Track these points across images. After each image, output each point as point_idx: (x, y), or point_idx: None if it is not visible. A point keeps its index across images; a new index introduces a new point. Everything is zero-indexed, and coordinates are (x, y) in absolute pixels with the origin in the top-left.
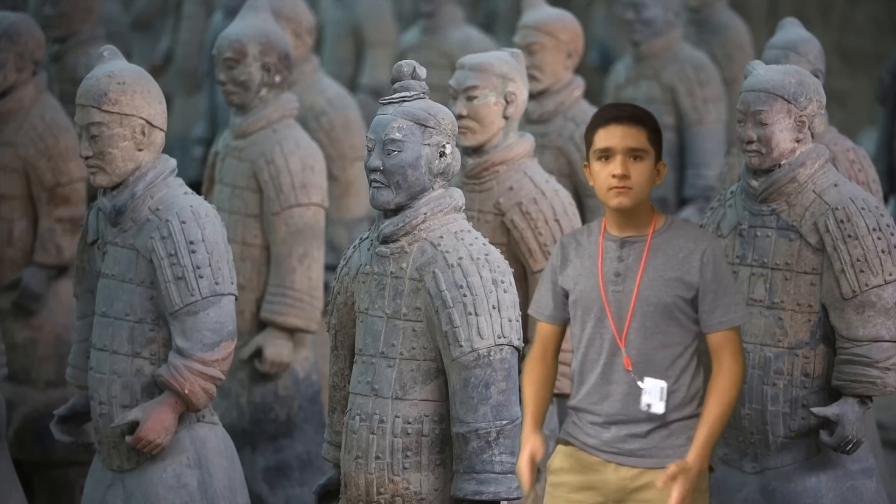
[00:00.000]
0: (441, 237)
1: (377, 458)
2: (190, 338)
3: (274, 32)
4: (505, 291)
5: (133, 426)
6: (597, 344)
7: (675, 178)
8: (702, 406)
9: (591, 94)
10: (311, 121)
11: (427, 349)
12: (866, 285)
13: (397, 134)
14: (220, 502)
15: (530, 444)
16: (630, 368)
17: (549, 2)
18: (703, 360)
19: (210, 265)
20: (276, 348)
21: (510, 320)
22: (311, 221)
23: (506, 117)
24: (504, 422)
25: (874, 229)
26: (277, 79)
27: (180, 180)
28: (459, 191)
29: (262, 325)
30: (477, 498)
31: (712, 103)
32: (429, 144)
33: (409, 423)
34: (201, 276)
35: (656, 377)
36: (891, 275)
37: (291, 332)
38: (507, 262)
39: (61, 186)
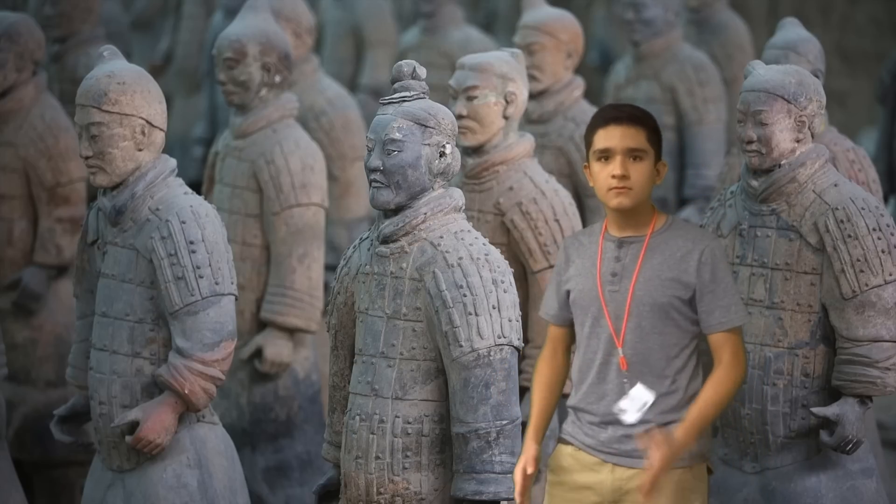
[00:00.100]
0: (441, 237)
1: (377, 458)
2: (190, 338)
3: (274, 32)
4: (505, 291)
5: (133, 426)
6: (594, 344)
7: (675, 178)
8: None
9: (591, 94)
10: (311, 121)
11: (427, 349)
12: (866, 285)
13: (397, 134)
14: (220, 502)
15: (526, 455)
16: (625, 369)
17: (549, 2)
18: (704, 361)
19: (210, 265)
20: (276, 348)
21: (510, 320)
22: (311, 221)
23: (506, 117)
24: (504, 422)
25: (874, 229)
26: (277, 79)
27: (180, 180)
28: (459, 191)
29: (262, 325)
30: (477, 498)
31: (712, 103)
32: (429, 144)
33: (409, 423)
34: (201, 276)
35: (653, 378)
36: (891, 275)
37: (291, 332)
38: (507, 262)
39: (61, 186)
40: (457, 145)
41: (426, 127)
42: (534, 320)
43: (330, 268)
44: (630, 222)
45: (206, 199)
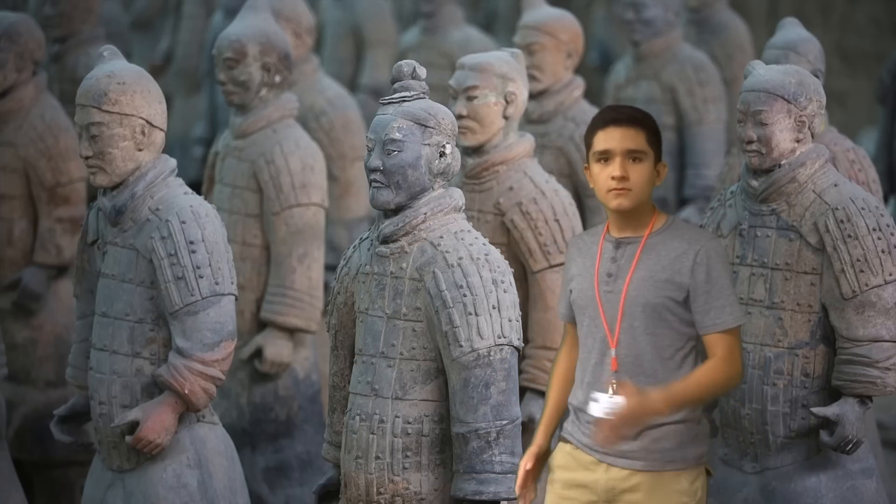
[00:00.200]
0: (441, 237)
1: (377, 458)
2: (190, 338)
3: (274, 32)
4: (505, 291)
5: (133, 426)
6: (590, 344)
7: (675, 178)
8: (690, 411)
9: (591, 94)
10: (311, 121)
11: (427, 349)
12: (866, 285)
13: (397, 134)
14: (220, 502)
15: (531, 449)
16: (615, 370)
17: (549, 2)
18: (703, 361)
19: (210, 265)
20: (276, 348)
21: (510, 320)
22: (311, 221)
23: (506, 117)
24: (504, 422)
25: (874, 229)
26: (277, 79)
27: (180, 180)
28: (459, 191)
29: (262, 325)
30: (477, 498)
31: (712, 103)
32: (429, 144)
33: (409, 423)
34: (201, 276)
35: (645, 379)
36: (891, 275)
37: (291, 332)
38: (507, 262)
39: (61, 186)
40: (457, 145)
41: (426, 127)
42: (534, 320)
43: (330, 268)
44: (630, 223)
45: (206, 199)
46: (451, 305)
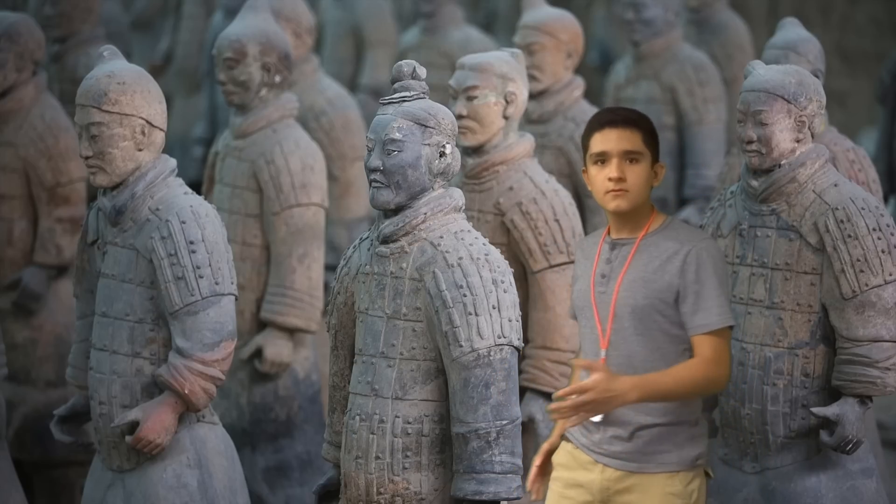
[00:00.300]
0: (441, 237)
1: (377, 458)
2: (190, 338)
3: (274, 32)
4: (505, 291)
5: (133, 426)
6: (586, 345)
7: (675, 178)
8: (686, 413)
9: (591, 94)
10: (311, 121)
11: (427, 349)
12: (866, 285)
13: (397, 134)
14: (220, 502)
15: (545, 447)
16: None
17: (549, 2)
18: None
19: (210, 265)
20: (276, 348)
21: (510, 320)
22: (311, 221)
23: (506, 117)
24: (504, 422)
25: (874, 229)
26: (277, 79)
27: (180, 180)
28: (459, 191)
29: (262, 325)
30: (477, 498)
31: (712, 103)
32: (429, 144)
33: (409, 423)
34: (201, 276)
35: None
36: (891, 275)
37: (291, 332)
38: (507, 262)
39: (61, 186)
40: (457, 145)
41: (426, 127)
42: (534, 320)
43: (330, 268)
44: (628, 224)
45: (206, 199)
46: (451, 305)
